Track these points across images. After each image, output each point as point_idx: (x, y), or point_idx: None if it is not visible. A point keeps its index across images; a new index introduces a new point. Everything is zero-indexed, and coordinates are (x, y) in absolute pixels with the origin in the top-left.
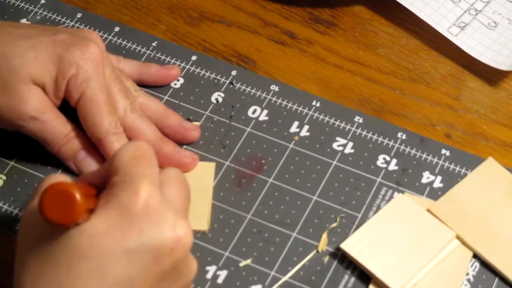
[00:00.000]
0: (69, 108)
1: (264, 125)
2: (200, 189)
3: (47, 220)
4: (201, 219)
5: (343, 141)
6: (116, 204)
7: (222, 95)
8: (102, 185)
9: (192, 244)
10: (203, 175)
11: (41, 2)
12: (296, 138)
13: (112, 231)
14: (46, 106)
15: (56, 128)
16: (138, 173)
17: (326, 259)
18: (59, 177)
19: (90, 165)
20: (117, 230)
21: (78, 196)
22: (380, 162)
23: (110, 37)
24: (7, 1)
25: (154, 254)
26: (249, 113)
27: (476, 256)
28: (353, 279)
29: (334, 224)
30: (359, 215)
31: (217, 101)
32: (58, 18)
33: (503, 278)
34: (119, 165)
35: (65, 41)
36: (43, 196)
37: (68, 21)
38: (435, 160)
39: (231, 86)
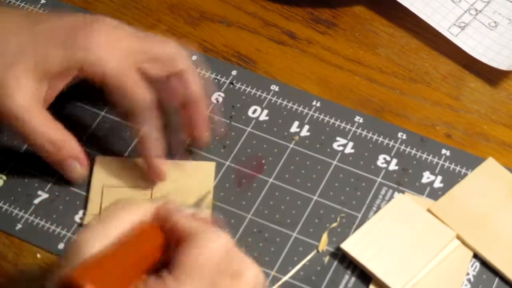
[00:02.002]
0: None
1: (264, 125)
2: (200, 189)
3: None
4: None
5: (343, 141)
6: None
7: (222, 95)
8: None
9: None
10: (203, 175)
11: (41, 2)
12: (296, 138)
13: None
14: (35, 106)
15: (46, 134)
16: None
17: (327, 259)
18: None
19: (79, 172)
20: None
21: None
22: (380, 162)
23: None
24: (7, 1)
25: None
26: (249, 113)
27: (476, 256)
28: (353, 279)
29: (335, 224)
30: (359, 215)
31: (217, 101)
32: None
33: (503, 278)
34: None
35: (70, 25)
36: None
37: None
38: (435, 160)
39: (231, 86)
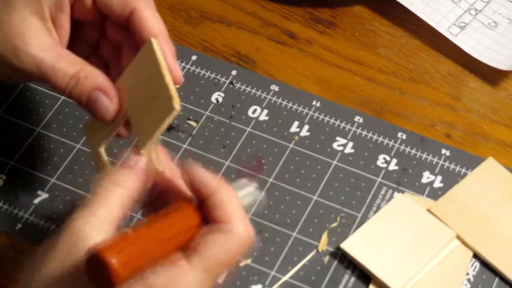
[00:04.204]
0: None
1: (264, 125)
2: (151, 77)
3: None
4: (166, 100)
5: (343, 141)
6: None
7: (222, 95)
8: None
9: None
10: (145, 63)
11: None
12: (296, 138)
13: None
14: (46, 42)
15: (60, 68)
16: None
17: (326, 259)
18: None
19: (105, 106)
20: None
21: (115, 265)
22: (380, 162)
23: None
24: None
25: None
26: (249, 113)
27: (476, 256)
28: (353, 279)
29: (334, 224)
30: (359, 215)
31: (217, 101)
32: None
33: (503, 278)
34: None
35: None
36: (87, 262)
37: None
38: (435, 160)
39: (231, 86)
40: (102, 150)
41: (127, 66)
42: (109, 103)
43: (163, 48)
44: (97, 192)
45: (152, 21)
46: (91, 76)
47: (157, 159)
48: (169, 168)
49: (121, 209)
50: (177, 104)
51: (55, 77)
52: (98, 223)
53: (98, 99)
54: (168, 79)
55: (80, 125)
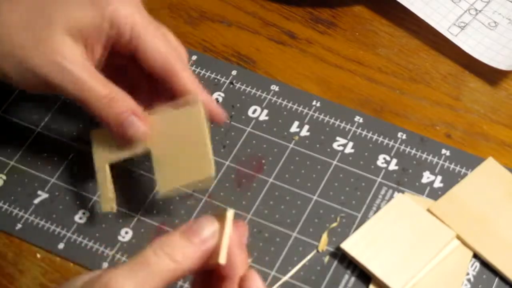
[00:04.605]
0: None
1: (264, 125)
2: (194, 134)
3: None
4: (203, 162)
5: (343, 141)
6: None
7: (222, 95)
8: None
9: None
10: (194, 122)
11: None
12: (296, 138)
13: None
14: (84, 63)
15: (97, 88)
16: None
17: (326, 259)
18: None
19: (136, 127)
20: None
21: None
22: (380, 162)
23: None
24: None
25: None
26: (249, 113)
27: (476, 256)
28: (353, 279)
29: (334, 224)
30: (359, 215)
31: (217, 101)
32: None
33: (503, 278)
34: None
35: None
36: None
37: None
38: (435, 160)
39: (231, 86)
40: (107, 166)
41: (162, 109)
42: (140, 125)
43: (205, 99)
44: (143, 255)
45: (188, 77)
46: (123, 99)
47: (223, 246)
48: (235, 259)
49: (162, 284)
50: (213, 171)
51: (89, 96)
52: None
53: (129, 120)
54: (209, 146)
55: (80, 125)
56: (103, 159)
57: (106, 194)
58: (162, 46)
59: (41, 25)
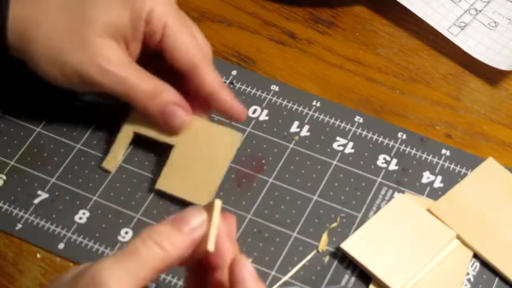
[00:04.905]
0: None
1: (264, 125)
2: (216, 158)
3: None
4: (206, 190)
5: (343, 141)
6: None
7: None
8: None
9: None
10: (227, 144)
11: None
12: (296, 138)
13: None
14: (125, 61)
15: (140, 84)
16: None
17: (326, 259)
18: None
19: (182, 117)
20: None
21: None
22: (380, 162)
23: None
24: None
25: None
26: (249, 113)
27: (476, 256)
28: (353, 279)
29: (334, 224)
30: (359, 215)
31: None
32: None
33: (503, 278)
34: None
35: None
36: None
37: None
38: (435, 160)
39: (231, 86)
40: (131, 133)
41: (208, 117)
42: (185, 115)
43: (224, 98)
44: (132, 245)
45: (211, 76)
46: (167, 92)
47: (211, 234)
48: (223, 247)
49: (151, 273)
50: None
51: (133, 93)
52: (123, 281)
53: (174, 111)
54: (221, 178)
55: (80, 125)
56: (133, 126)
57: (115, 154)
58: (189, 46)
59: (80, 28)
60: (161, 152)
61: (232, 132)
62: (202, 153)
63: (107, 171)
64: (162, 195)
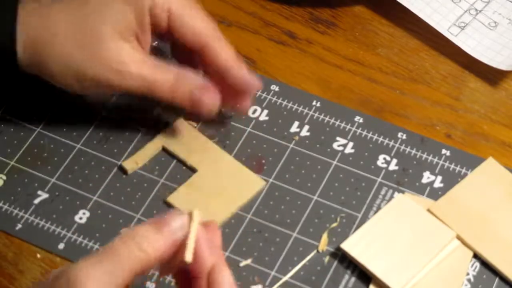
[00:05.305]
0: None
1: (264, 125)
2: (232, 196)
3: None
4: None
5: (343, 141)
6: None
7: None
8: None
9: None
10: (246, 186)
11: None
12: (296, 138)
13: None
14: (139, 58)
15: (159, 78)
16: None
17: (326, 259)
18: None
19: (209, 101)
20: None
21: None
22: (380, 162)
23: None
24: None
25: None
26: (249, 113)
27: (476, 256)
28: (353, 279)
29: (334, 224)
30: (359, 215)
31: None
32: None
33: (503, 278)
34: None
35: None
36: None
37: None
38: (435, 160)
39: None
40: (160, 145)
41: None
42: (212, 96)
43: (238, 73)
44: (112, 245)
45: (223, 52)
46: (189, 78)
47: (189, 245)
48: (203, 256)
49: (130, 274)
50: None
51: (159, 87)
52: (101, 282)
53: (201, 97)
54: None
55: (80, 125)
56: (164, 140)
57: (137, 159)
58: (196, 27)
59: (90, 34)
60: (165, 160)
61: (257, 179)
62: (221, 187)
63: (110, 171)
64: (163, 198)
